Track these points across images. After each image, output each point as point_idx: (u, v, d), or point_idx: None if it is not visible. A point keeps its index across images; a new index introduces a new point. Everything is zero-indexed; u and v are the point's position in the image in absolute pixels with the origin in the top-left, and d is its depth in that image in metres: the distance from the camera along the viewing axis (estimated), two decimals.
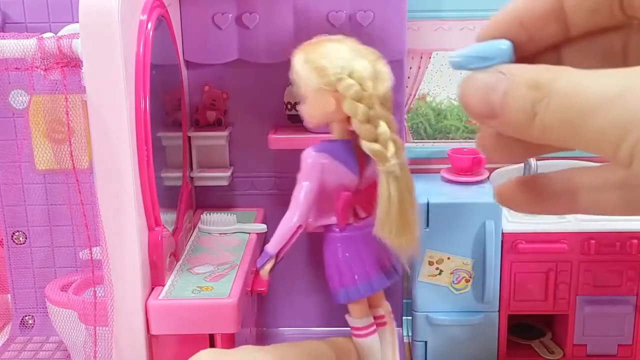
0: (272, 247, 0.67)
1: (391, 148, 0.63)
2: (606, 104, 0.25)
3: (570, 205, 0.30)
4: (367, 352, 0.71)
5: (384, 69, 0.66)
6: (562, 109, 0.26)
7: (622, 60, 0.32)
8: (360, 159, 0.67)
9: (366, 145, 0.63)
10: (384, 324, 0.73)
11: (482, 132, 0.31)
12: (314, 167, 0.66)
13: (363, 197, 0.67)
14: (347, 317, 0.72)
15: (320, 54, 0.65)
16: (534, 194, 0.31)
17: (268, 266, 0.68)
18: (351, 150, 0.67)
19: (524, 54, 0.32)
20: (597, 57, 0.32)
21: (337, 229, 0.68)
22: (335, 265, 0.69)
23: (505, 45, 0.30)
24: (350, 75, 0.63)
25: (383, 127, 0.63)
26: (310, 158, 0.67)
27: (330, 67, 0.64)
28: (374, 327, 0.72)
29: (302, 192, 0.66)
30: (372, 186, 0.66)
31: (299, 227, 0.67)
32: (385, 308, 0.73)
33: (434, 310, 0.84)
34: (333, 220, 0.68)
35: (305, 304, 0.98)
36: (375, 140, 0.63)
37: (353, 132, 0.65)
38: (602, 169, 0.28)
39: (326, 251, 0.70)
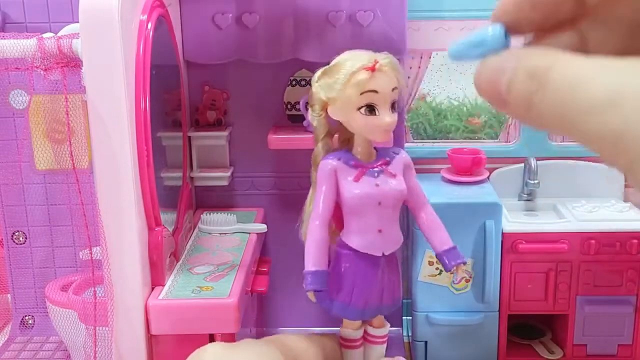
0: None
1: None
2: (598, 109, 0.23)
3: None
4: None
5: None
6: (556, 104, 0.25)
7: None
8: None
9: None
10: (370, 342, 0.75)
11: None
12: None
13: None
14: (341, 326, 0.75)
15: None
16: None
17: None
18: None
19: (542, 29, 0.30)
20: (621, 31, 0.30)
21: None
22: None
23: (496, 29, 0.29)
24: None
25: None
26: None
27: None
28: (360, 342, 0.74)
29: None
30: None
31: None
32: (379, 329, 0.75)
33: (434, 310, 0.84)
34: None
35: (305, 304, 0.97)
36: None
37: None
38: None
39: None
